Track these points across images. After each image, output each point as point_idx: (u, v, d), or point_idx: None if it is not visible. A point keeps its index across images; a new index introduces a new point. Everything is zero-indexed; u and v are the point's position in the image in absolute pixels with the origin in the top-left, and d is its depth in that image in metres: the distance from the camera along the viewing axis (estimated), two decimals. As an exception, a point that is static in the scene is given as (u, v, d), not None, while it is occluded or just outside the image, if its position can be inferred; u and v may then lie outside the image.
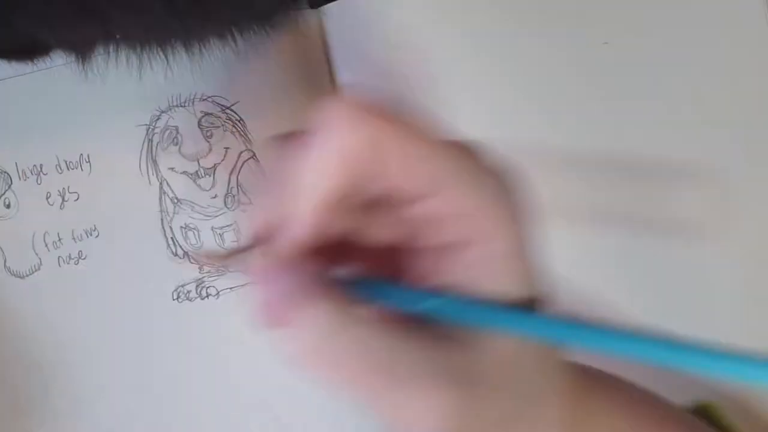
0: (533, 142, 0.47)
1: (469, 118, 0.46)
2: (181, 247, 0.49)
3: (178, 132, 0.49)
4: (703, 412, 0.43)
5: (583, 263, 0.48)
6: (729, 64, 0.46)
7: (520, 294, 0.27)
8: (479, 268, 0.27)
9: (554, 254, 0.48)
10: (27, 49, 0.46)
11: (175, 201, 0.49)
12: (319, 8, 0.48)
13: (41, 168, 0.49)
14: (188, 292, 0.49)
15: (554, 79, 0.47)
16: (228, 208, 0.49)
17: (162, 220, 0.49)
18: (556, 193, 0.47)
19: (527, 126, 0.47)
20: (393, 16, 0.47)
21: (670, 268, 0.48)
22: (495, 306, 0.27)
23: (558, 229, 0.47)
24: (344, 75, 0.48)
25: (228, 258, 0.29)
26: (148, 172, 0.49)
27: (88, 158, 0.49)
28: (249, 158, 0.49)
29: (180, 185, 0.49)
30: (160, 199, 0.49)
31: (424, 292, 0.28)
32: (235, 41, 0.46)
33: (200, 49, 0.46)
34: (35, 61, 0.47)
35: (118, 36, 0.43)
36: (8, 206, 0.48)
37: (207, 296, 0.49)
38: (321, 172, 0.26)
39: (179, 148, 0.49)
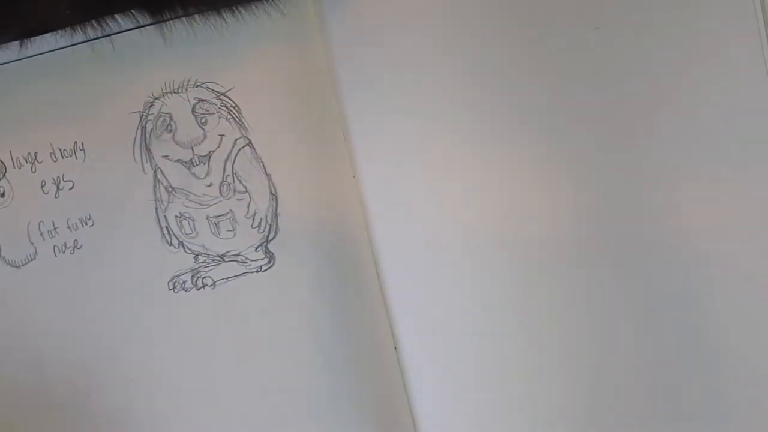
0: (523, 129, 0.46)
1: (458, 106, 0.46)
2: (176, 236, 0.48)
3: (171, 119, 0.48)
4: None
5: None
6: (722, 57, 0.44)
7: None
8: None
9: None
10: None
11: (170, 189, 0.48)
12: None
13: (36, 156, 0.48)
14: (184, 282, 0.48)
15: (544, 66, 0.45)
16: (223, 196, 0.48)
17: (156, 209, 0.48)
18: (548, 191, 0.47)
19: (518, 114, 0.46)
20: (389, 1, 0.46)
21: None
22: None
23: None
24: (341, 59, 0.47)
25: None
26: (141, 160, 0.48)
27: (83, 146, 0.48)
28: (244, 145, 0.48)
29: (174, 173, 0.48)
30: (155, 187, 0.48)
31: None
32: (227, 21, 0.45)
33: (195, 32, 0.46)
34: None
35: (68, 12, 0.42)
36: (3, 195, 0.48)
37: (203, 286, 0.48)
38: None
39: (173, 135, 0.48)
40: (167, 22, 0.44)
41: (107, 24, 0.43)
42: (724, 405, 0.46)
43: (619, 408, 0.47)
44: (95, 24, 0.43)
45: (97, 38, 0.45)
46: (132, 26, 0.45)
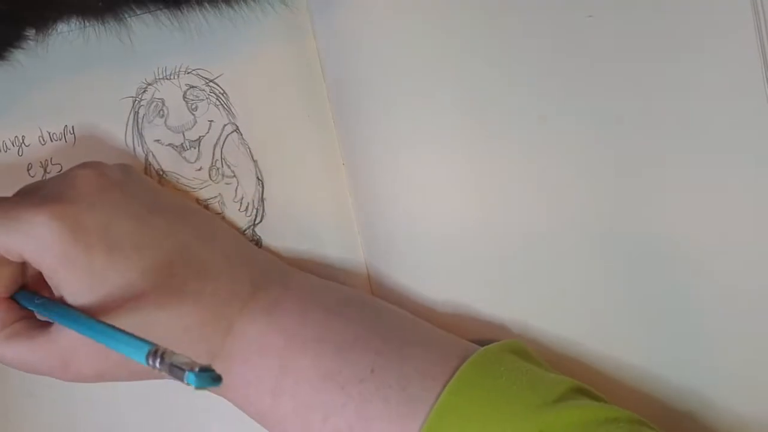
0: (513, 121, 0.47)
1: (446, 96, 0.47)
2: (166, 218, 0.49)
3: (164, 104, 0.49)
4: (511, 348, 0.44)
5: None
6: (718, 49, 0.44)
7: (80, 300, 0.41)
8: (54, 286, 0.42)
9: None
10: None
11: (161, 173, 0.49)
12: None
13: (23, 140, 0.48)
14: (173, 263, 0.49)
15: (534, 57, 0.46)
16: (212, 180, 0.50)
17: (147, 191, 0.49)
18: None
19: (506, 104, 0.47)
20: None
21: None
22: (64, 308, 0.41)
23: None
24: (330, 46, 0.49)
25: None
26: (133, 144, 0.49)
27: (72, 130, 0.49)
28: (232, 131, 0.50)
29: (166, 157, 0.49)
30: (146, 170, 0.49)
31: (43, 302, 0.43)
32: (220, 11, 0.47)
33: (187, 19, 0.47)
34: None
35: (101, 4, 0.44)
36: (-13, 178, 0.48)
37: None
38: None
39: (165, 120, 0.49)
40: (181, 11, 0.45)
41: (125, 12, 0.44)
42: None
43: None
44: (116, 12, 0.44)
45: (103, 23, 0.46)
46: (143, 11, 0.46)
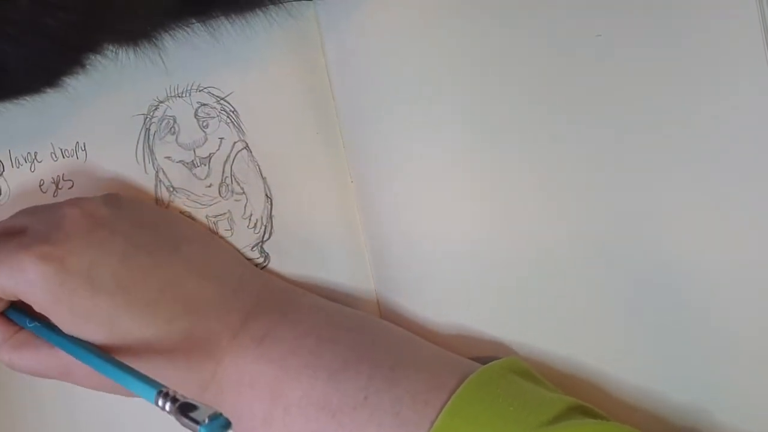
0: (521, 139, 0.47)
1: (454, 115, 0.48)
2: (176, 234, 0.50)
3: (175, 122, 0.50)
4: (510, 367, 0.44)
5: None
6: (729, 69, 0.44)
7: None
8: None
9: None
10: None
11: (171, 189, 0.50)
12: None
13: (35, 156, 0.49)
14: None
15: (542, 77, 0.46)
16: (222, 197, 0.50)
17: (158, 208, 0.50)
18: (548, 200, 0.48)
19: (514, 126, 0.47)
20: (386, 6, 0.48)
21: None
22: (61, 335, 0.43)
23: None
24: (339, 65, 0.50)
25: None
26: (144, 161, 0.50)
27: (84, 146, 0.49)
28: (242, 149, 0.51)
29: (176, 174, 0.50)
30: (156, 187, 0.50)
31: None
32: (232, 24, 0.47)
33: (198, 37, 0.48)
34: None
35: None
36: (-1, 193, 0.48)
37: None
38: None
39: (176, 137, 0.50)
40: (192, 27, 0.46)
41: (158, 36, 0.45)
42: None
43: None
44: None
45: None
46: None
